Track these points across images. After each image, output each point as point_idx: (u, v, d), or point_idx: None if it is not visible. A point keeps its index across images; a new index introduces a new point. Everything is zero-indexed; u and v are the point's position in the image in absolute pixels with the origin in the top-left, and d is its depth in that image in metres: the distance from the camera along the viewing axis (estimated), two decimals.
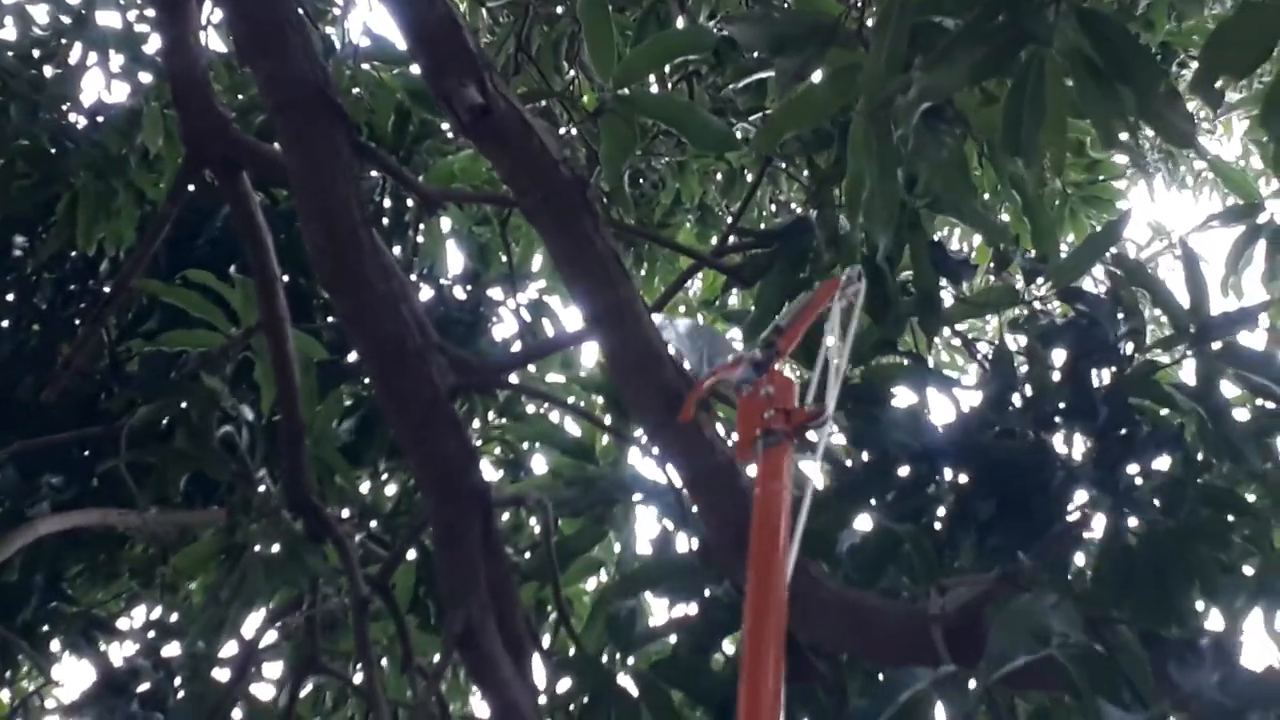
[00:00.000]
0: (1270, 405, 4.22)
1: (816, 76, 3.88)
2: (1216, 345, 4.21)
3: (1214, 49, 3.08)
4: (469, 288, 7.43)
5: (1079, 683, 2.98)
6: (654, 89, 6.69)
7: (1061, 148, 3.56)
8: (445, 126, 7.63)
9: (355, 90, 7.17)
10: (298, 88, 4.32)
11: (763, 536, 2.75)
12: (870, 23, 3.70)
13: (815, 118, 4.14)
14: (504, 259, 7.15)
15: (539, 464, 6.71)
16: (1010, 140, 3.41)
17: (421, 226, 7.37)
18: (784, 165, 7.86)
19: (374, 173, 6.93)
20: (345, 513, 6.08)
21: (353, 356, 6.73)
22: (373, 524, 6.33)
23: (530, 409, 6.90)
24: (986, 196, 4.66)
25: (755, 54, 4.60)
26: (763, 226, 7.66)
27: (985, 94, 3.79)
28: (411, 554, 5.87)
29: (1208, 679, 3.07)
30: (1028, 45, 3.34)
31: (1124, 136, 3.36)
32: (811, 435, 3.11)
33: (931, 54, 3.32)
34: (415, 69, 7.58)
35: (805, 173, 5.85)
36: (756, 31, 3.85)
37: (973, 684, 3.02)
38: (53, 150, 6.80)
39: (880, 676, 3.94)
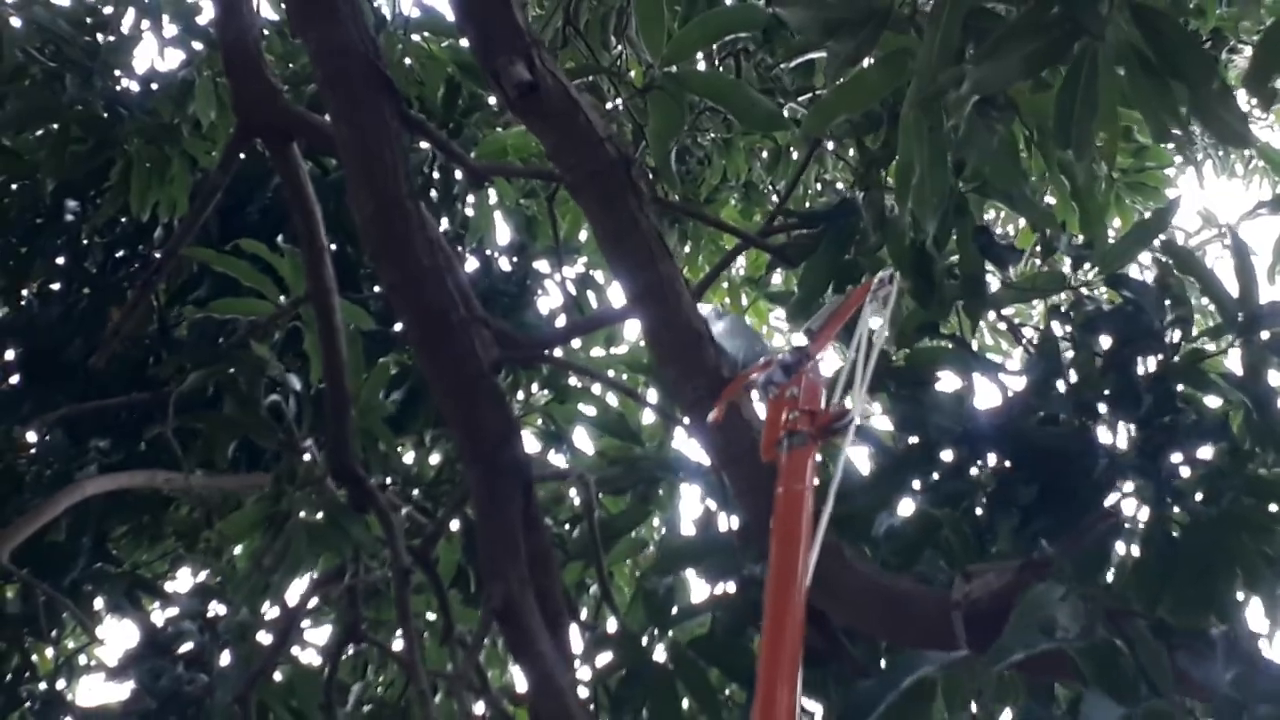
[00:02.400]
0: None
1: (868, 60, 3.87)
2: (1265, 335, 4.18)
3: (1269, 44, 3.06)
4: (515, 260, 7.44)
5: (1089, 679, 2.98)
6: (701, 66, 6.70)
7: (1113, 140, 3.55)
8: (494, 100, 7.67)
9: (406, 61, 7.20)
10: (347, 58, 4.34)
11: (782, 539, 2.75)
12: (923, 6, 3.69)
13: (866, 102, 4.14)
14: (550, 232, 7.16)
15: (580, 437, 6.73)
16: (1062, 132, 3.40)
17: (470, 200, 7.39)
18: (831, 146, 7.86)
19: (423, 145, 6.96)
20: (389, 481, 6.11)
21: (399, 326, 6.75)
22: (415, 493, 6.36)
23: (574, 382, 6.91)
24: (1034, 180, 4.62)
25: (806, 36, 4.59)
26: (808, 206, 7.64)
27: (1037, 81, 3.77)
28: (455, 525, 5.91)
29: (1220, 672, 3.06)
30: (1081, 38, 3.32)
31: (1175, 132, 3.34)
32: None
33: (984, 45, 3.31)
34: (465, 41, 7.66)
35: (853, 154, 5.84)
36: (809, 14, 3.83)
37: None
38: (106, 117, 6.85)
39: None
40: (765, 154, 8.72)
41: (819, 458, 3.05)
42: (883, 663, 3.99)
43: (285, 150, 5.05)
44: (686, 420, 4.31)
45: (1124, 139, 6.51)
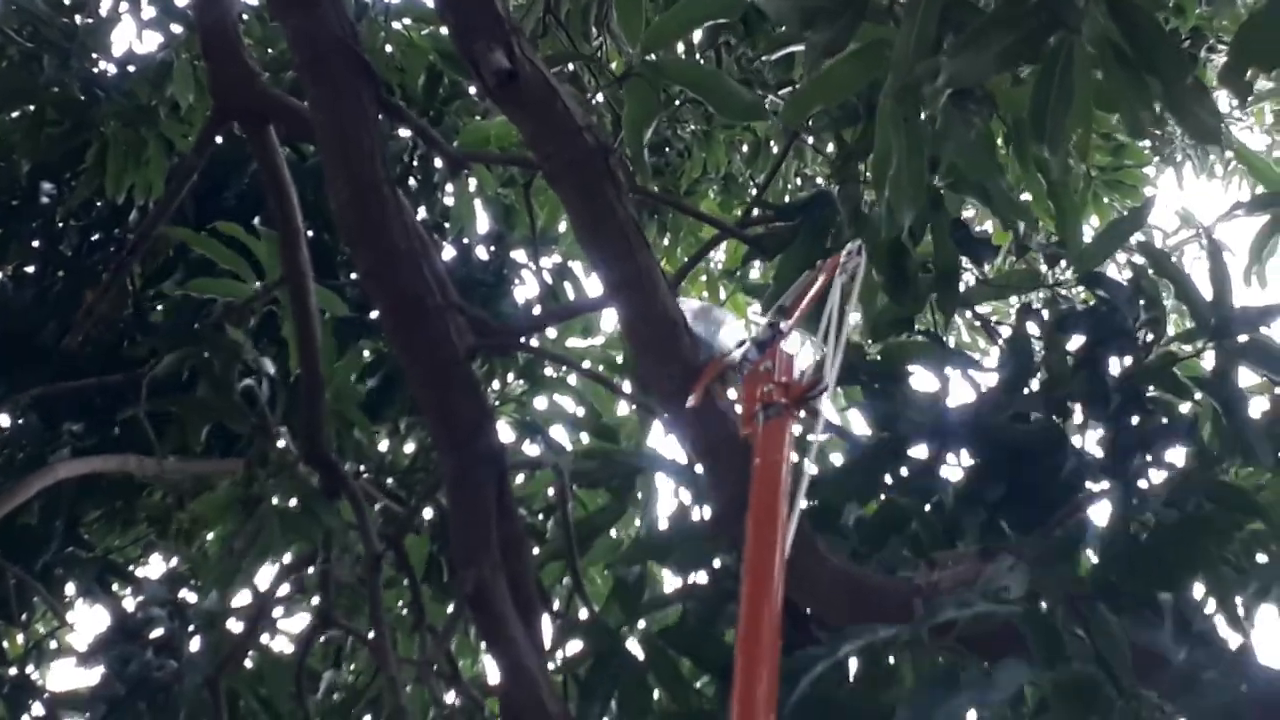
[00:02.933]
0: None
1: (846, 51, 3.87)
2: (1236, 340, 4.20)
3: (1244, 39, 3.08)
4: (492, 249, 7.44)
5: (1036, 650, 2.99)
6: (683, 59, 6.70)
7: (1087, 135, 3.56)
8: (474, 89, 7.66)
9: (387, 49, 7.20)
10: (326, 43, 4.34)
11: (761, 506, 2.77)
12: None
13: (844, 92, 4.14)
14: (528, 221, 7.16)
15: (556, 428, 6.73)
16: (1037, 126, 3.40)
17: (450, 189, 7.38)
18: (810, 140, 7.87)
19: (403, 133, 6.96)
20: (363, 469, 6.11)
21: (375, 314, 6.75)
22: (389, 481, 6.36)
23: (550, 372, 6.92)
24: (1010, 179, 4.63)
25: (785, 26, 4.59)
26: (787, 199, 7.64)
27: (1014, 75, 3.78)
28: (428, 514, 5.92)
29: (1169, 640, 3.07)
30: (1058, 31, 3.33)
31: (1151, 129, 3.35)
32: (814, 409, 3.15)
33: (961, 37, 3.31)
34: (445, 29, 7.65)
35: (831, 148, 5.85)
36: (787, 4, 3.84)
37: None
38: (83, 99, 6.83)
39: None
40: (745, 147, 8.73)
41: (795, 430, 3.06)
42: None
43: (262, 134, 5.06)
44: (662, 410, 4.31)
45: (1103, 137, 6.55)
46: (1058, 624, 3.03)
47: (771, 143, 8.34)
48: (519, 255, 7.50)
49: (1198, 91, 3.22)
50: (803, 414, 3.09)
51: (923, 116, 3.64)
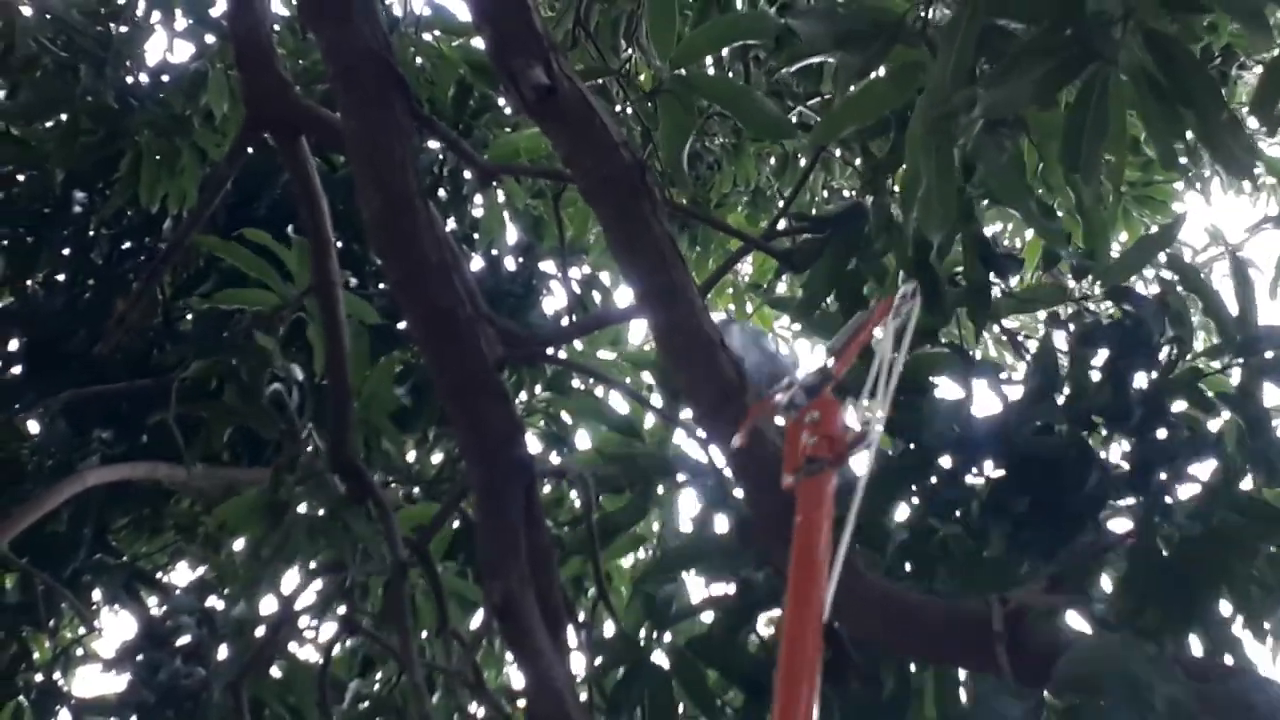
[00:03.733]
0: None
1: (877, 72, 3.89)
2: (1262, 357, 4.20)
3: (1276, 71, 3.07)
4: (521, 260, 7.46)
5: None
6: (710, 71, 6.72)
7: (1121, 163, 3.55)
8: (504, 102, 7.69)
9: (417, 61, 7.23)
10: (359, 54, 4.36)
11: (802, 567, 2.69)
12: (933, 17, 3.71)
13: (875, 113, 4.15)
14: (557, 232, 7.19)
15: (583, 440, 6.75)
16: (1071, 154, 3.39)
17: (479, 200, 7.41)
18: (839, 153, 7.89)
19: (432, 145, 6.98)
20: (390, 479, 6.13)
21: (404, 324, 6.78)
22: (416, 491, 6.38)
23: (577, 384, 6.94)
24: (1040, 192, 4.63)
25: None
26: (814, 212, 7.66)
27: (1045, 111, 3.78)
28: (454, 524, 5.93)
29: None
30: (1093, 62, 3.34)
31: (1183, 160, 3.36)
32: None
33: (997, 68, 3.31)
34: (476, 41, 7.69)
35: (859, 161, 5.86)
36: (820, 26, 3.85)
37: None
38: (117, 108, 6.87)
39: (912, 668, 3.98)
40: (773, 160, 8.75)
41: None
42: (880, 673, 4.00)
43: (294, 144, 5.09)
44: (700, 431, 4.31)
45: (1132, 152, 6.54)
46: None
47: (799, 155, 8.36)
48: (547, 266, 7.53)
49: (1232, 125, 3.21)
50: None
51: (955, 144, 3.64)
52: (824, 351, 3.34)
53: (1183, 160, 3.43)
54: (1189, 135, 3.34)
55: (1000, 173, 4.01)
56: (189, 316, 7.29)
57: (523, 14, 3.83)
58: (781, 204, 7.71)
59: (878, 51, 3.74)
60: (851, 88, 3.92)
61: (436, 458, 7.17)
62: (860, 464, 3.19)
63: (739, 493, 4.43)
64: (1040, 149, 4.15)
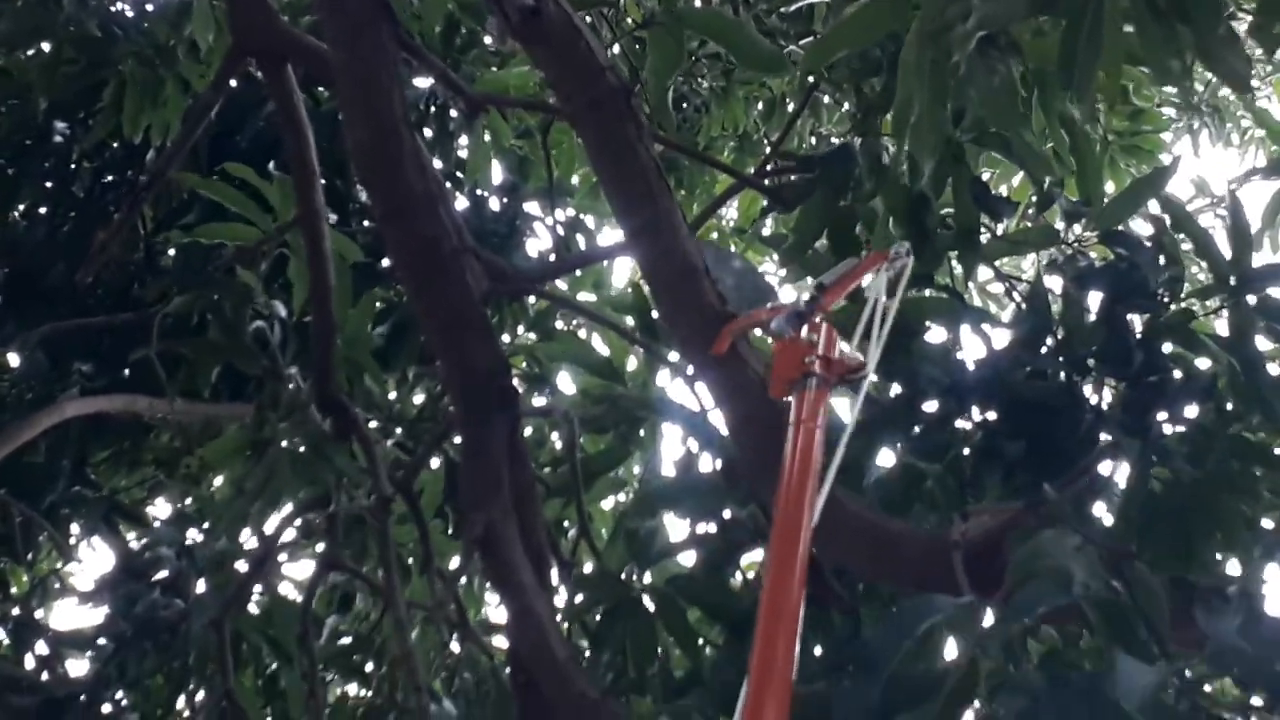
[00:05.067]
0: None
1: None
2: (1254, 298, 4.17)
3: None
4: (505, 200, 7.41)
5: (1101, 632, 2.97)
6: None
7: (1115, 84, 3.51)
8: (489, 40, 7.62)
9: None
10: None
11: (795, 474, 2.75)
12: None
13: (868, 37, 4.09)
14: (544, 174, 7.13)
15: (564, 382, 6.72)
16: (1065, 74, 3.36)
17: (464, 140, 7.34)
18: (826, 97, 7.83)
19: (418, 83, 6.92)
20: (371, 419, 6.09)
21: (387, 262, 6.75)
22: (398, 430, 6.34)
23: (560, 325, 6.90)
24: (1033, 137, 4.58)
25: None
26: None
27: (1040, 25, 3.73)
28: (435, 463, 5.90)
29: (1230, 625, 3.04)
30: None
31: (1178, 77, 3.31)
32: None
33: None
34: None
35: (849, 102, 5.80)
36: None
37: (989, 615, 3.02)
38: (100, 37, 6.78)
39: (895, 603, 3.97)
40: (761, 105, 8.70)
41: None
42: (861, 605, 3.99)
43: (280, 72, 5.02)
44: (680, 355, 4.29)
45: (1121, 101, 6.50)
46: (1132, 615, 3.00)
47: (788, 101, 8.30)
48: (531, 208, 7.48)
49: (1230, 39, 3.17)
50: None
51: (949, 63, 3.59)
52: (812, 283, 3.36)
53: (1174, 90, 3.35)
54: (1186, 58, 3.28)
55: (993, 97, 3.95)
56: (171, 252, 7.23)
57: None
58: (769, 149, 7.67)
59: None
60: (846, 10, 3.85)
61: (418, 398, 7.11)
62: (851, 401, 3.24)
63: (724, 432, 4.42)
64: (1032, 81, 4.08)
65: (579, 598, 4.59)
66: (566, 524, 5.75)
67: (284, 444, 5.43)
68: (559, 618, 4.35)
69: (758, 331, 3.78)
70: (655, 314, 5.08)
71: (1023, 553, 3.06)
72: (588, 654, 4.45)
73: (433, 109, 7.24)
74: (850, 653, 3.71)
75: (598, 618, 4.47)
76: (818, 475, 2.75)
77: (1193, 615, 3.09)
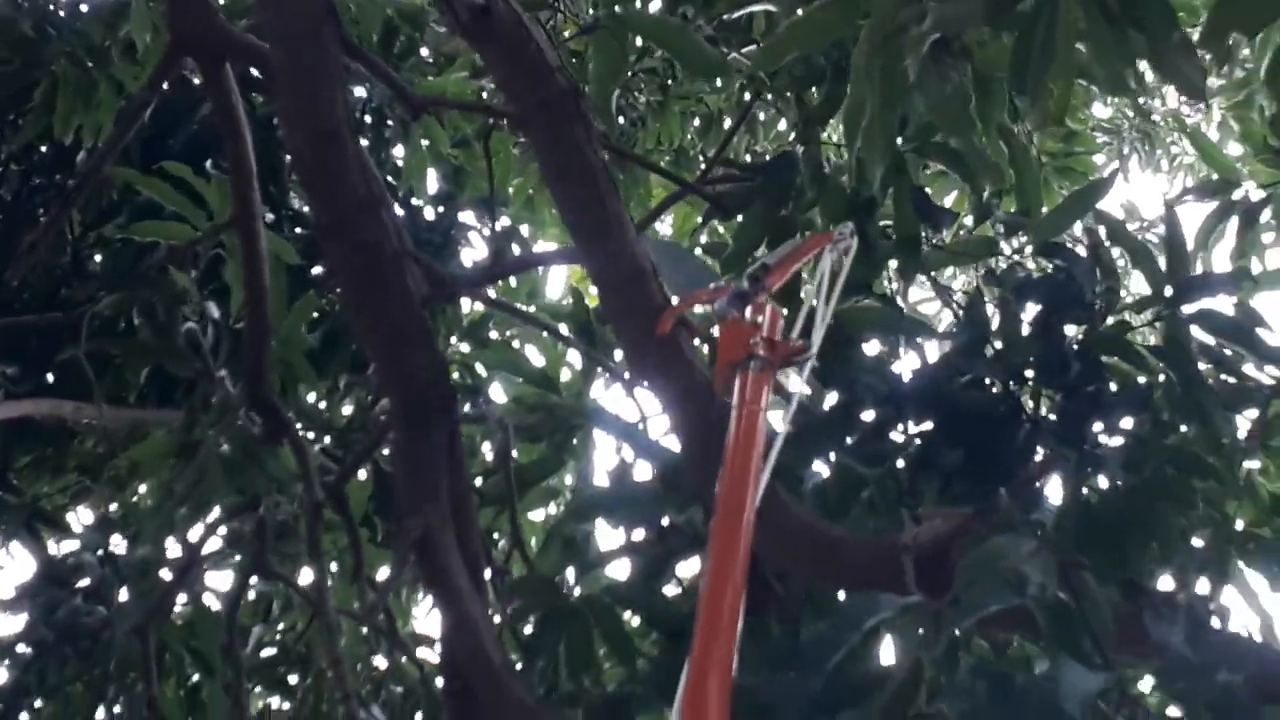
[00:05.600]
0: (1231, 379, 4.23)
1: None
2: (1189, 308, 4.21)
3: (1226, 3, 3.05)
4: (441, 210, 7.38)
5: (1048, 637, 2.98)
6: None
7: (1068, 90, 3.52)
8: (426, 53, 7.59)
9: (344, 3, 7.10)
10: None
11: (738, 453, 2.72)
12: None
13: (819, 40, 4.09)
14: (481, 184, 7.11)
15: (497, 393, 6.71)
16: (1018, 78, 3.37)
17: (400, 150, 7.31)
18: (762, 114, 7.87)
19: (357, 91, 6.89)
20: (300, 426, 6.03)
21: (319, 269, 6.71)
22: (327, 439, 6.29)
23: (494, 335, 6.87)
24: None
25: None
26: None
27: (994, 29, 3.74)
28: (363, 474, 5.86)
29: (1178, 635, 3.06)
30: None
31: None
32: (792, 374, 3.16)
33: None
34: None
35: (789, 115, 5.82)
36: None
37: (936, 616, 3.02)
38: (33, 36, 6.69)
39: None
40: (698, 120, 8.73)
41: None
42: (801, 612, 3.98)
43: (218, 71, 4.96)
44: (626, 357, 4.27)
45: (1056, 122, 6.55)
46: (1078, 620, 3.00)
47: (724, 116, 8.34)
48: (467, 218, 7.46)
49: (1184, 47, 3.20)
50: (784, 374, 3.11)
51: (900, 67, 3.60)
52: (758, 263, 3.36)
53: (1131, 86, 3.36)
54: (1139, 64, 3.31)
55: (944, 104, 3.97)
56: (98, 258, 7.14)
57: None
58: (705, 163, 7.69)
59: None
60: (796, 13, 3.85)
61: (347, 408, 7.06)
62: (793, 383, 3.24)
63: (661, 439, 4.41)
64: (978, 91, 4.09)
65: (513, 605, 4.54)
66: (497, 535, 5.71)
67: (214, 447, 5.37)
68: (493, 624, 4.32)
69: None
70: (595, 320, 5.09)
71: (975, 555, 3.06)
72: (520, 664, 4.41)
73: (368, 116, 7.21)
74: (789, 653, 3.71)
75: (531, 626, 4.44)
76: (761, 457, 2.73)
77: (1141, 623, 3.11)
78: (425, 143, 7.04)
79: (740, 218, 4.71)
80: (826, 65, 4.54)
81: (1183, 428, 4.10)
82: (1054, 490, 4.03)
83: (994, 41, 3.86)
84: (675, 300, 3.71)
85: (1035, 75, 3.32)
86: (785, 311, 3.45)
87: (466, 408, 6.44)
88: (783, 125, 8.10)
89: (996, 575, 2.97)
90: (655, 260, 3.81)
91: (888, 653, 3.02)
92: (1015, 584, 2.95)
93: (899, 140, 4.37)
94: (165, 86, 5.77)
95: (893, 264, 4.74)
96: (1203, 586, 3.99)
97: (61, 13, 6.90)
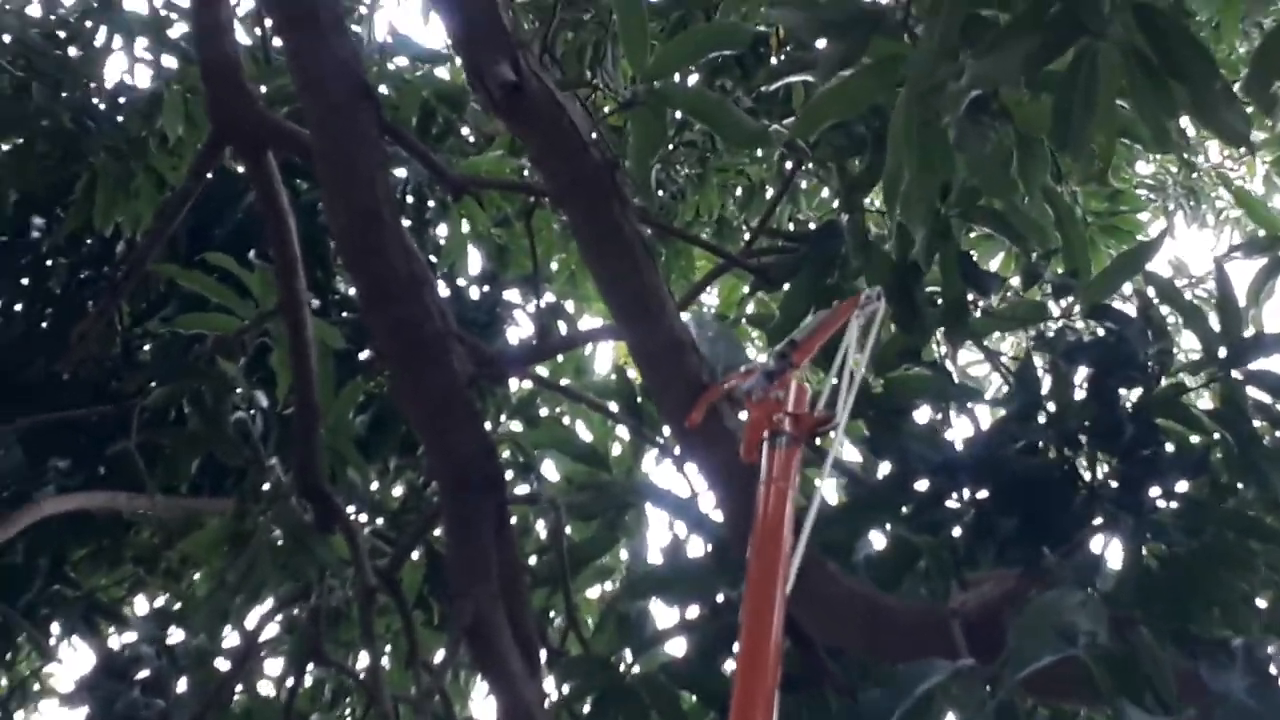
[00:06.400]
0: None
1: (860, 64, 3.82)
2: (1245, 369, 4.15)
3: (1269, 49, 3.02)
4: (485, 289, 7.38)
5: (1102, 685, 2.92)
6: None
7: (1111, 143, 3.49)
8: (466, 132, 7.62)
9: (381, 89, 7.13)
10: (328, 64, 4.30)
11: (765, 533, 2.75)
12: (915, 12, 3.64)
13: (855, 106, 4.06)
14: (524, 261, 7.12)
15: (549, 470, 6.68)
16: (1059, 133, 3.34)
17: (442, 229, 7.33)
18: (804, 182, 7.85)
19: (397, 172, 6.91)
20: (353, 511, 6.02)
21: (367, 354, 6.72)
22: (379, 522, 6.28)
23: (544, 412, 6.85)
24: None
25: (787, 54, 4.53)
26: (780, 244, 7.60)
27: (1034, 84, 3.70)
28: (416, 555, 5.83)
29: (1238, 683, 3.00)
30: (1082, 37, 3.27)
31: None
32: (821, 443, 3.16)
33: (985, 40, 3.26)
34: (439, 72, 7.65)
35: (831, 183, 5.79)
36: (801, 16, 3.80)
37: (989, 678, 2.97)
38: (73, 129, 6.75)
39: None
40: (739, 191, 8.72)
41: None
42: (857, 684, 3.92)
43: (260, 159, 4.99)
44: (668, 431, 4.24)
45: (1100, 181, 6.51)
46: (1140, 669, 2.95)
47: (766, 186, 8.33)
48: (512, 296, 7.46)
49: (1226, 95, 3.15)
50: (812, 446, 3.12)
51: (939, 126, 3.57)
52: (786, 339, 3.36)
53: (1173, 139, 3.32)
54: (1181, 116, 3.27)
55: (984, 163, 3.94)
56: (147, 348, 7.17)
57: (490, 11, 3.78)
58: (747, 233, 7.67)
59: (857, 40, 3.67)
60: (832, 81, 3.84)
61: (398, 490, 7.05)
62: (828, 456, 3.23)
63: (713, 516, 4.38)
64: (1020, 151, 4.06)
65: (567, 686, 4.50)
66: (553, 614, 5.67)
67: (266, 535, 5.36)
68: (547, 706, 4.28)
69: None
70: (640, 397, 5.07)
71: (1026, 613, 3.01)
72: None
73: (409, 199, 7.23)
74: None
75: (587, 708, 4.40)
76: (791, 533, 2.72)
77: (1196, 674, 3.05)
78: (466, 223, 7.05)
79: (786, 288, 4.68)
80: (868, 134, 4.50)
81: (1241, 488, 4.04)
82: (1112, 555, 3.99)
83: (1034, 102, 3.82)
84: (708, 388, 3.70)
85: (1077, 131, 3.28)
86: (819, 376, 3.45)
87: (519, 486, 6.46)
88: (825, 194, 8.09)
89: (1047, 629, 2.93)
90: (697, 341, 3.80)
91: None
92: (1066, 634, 2.90)
93: (943, 205, 4.34)
94: (209, 176, 5.80)
95: (940, 330, 4.70)
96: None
97: (101, 105, 6.96)
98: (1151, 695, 2.94)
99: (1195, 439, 4.16)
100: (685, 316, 4.09)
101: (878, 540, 4.21)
